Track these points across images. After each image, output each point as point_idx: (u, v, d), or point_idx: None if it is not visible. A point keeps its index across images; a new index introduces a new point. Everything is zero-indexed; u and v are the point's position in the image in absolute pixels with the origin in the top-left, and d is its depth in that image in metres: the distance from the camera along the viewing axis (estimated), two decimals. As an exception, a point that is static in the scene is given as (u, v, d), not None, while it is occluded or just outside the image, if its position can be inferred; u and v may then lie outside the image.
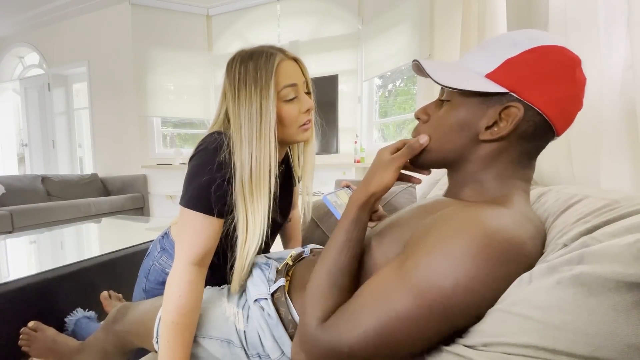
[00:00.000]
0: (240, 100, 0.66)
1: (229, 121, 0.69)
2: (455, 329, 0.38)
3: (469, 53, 0.49)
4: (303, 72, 0.72)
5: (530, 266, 0.39)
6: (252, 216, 0.66)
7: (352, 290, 0.47)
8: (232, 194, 0.65)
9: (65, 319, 1.08)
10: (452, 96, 0.48)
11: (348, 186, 0.74)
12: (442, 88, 0.51)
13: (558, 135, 0.46)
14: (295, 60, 0.71)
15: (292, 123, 0.69)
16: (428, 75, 0.47)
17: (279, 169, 0.73)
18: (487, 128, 0.45)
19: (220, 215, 0.65)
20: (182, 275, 0.63)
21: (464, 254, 0.36)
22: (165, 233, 0.87)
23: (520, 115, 0.43)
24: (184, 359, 0.62)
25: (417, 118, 0.54)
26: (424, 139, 0.50)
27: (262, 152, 0.65)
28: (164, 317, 0.62)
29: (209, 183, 0.63)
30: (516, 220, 0.41)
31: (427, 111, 0.52)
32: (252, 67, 0.66)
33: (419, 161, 0.54)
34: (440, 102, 0.51)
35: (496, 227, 0.38)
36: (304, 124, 0.70)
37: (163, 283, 0.82)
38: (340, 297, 0.46)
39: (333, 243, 0.50)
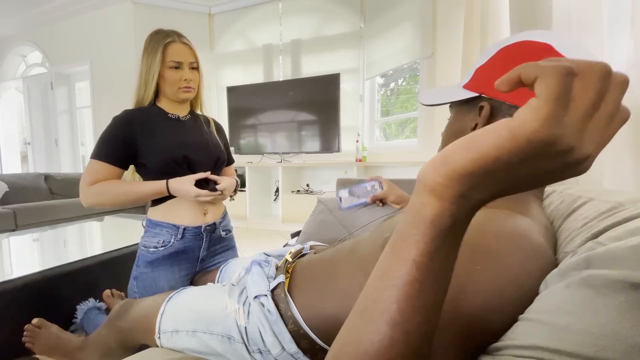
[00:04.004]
0: (141, 62, 0.98)
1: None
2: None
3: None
4: (192, 53, 1.00)
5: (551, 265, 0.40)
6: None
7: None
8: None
9: (77, 306, 1.10)
10: (451, 112, 0.57)
11: (379, 181, 0.71)
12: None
13: None
14: (187, 44, 0.99)
15: (174, 84, 0.97)
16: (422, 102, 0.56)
17: (185, 116, 1.06)
18: (472, 130, 0.50)
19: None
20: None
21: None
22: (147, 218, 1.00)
23: (486, 113, 0.47)
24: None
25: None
26: None
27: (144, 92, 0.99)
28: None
29: None
30: (534, 228, 0.42)
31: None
32: (152, 41, 0.96)
33: None
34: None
35: (538, 241, 0.39)
36: (184, 87, 0.98)
37: (150, 263, 0.93)
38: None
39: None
